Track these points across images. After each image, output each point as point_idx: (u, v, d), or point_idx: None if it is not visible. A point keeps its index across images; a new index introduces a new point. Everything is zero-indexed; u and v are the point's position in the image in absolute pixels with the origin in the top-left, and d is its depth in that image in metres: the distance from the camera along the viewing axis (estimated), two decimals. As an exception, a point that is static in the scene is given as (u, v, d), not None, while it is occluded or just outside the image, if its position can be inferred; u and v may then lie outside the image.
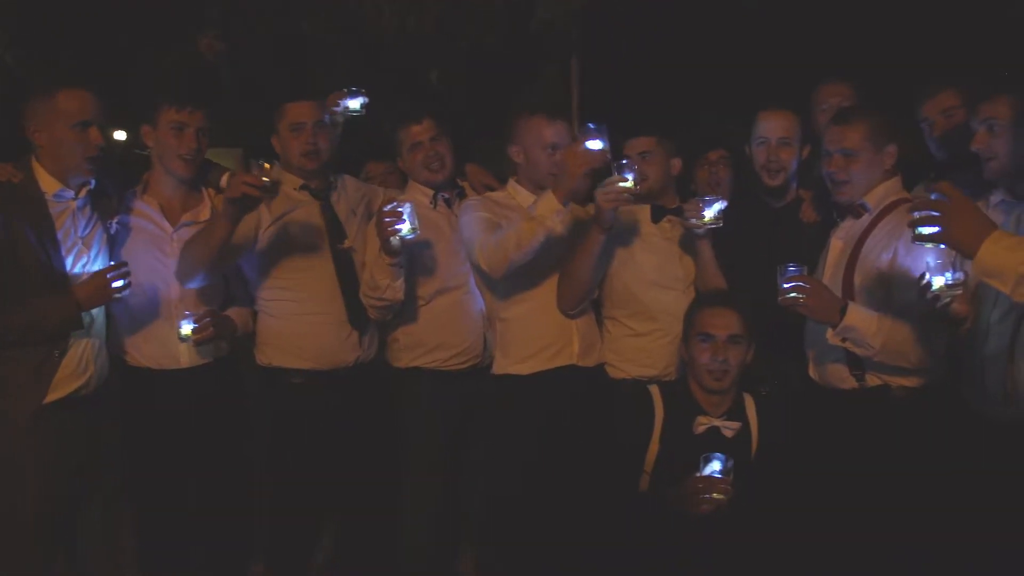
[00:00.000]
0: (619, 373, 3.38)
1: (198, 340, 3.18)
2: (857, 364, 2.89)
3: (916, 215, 2.26)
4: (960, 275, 2.51)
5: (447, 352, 3.49)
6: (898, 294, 2.77)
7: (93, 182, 3.12)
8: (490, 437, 3.42)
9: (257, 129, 3.62)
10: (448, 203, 3.58)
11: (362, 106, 3.65)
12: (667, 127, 3.50)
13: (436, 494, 3.51)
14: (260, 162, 2.99)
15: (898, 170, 2.99)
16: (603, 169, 3.17)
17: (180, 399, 3.27)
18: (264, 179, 2.96)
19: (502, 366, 3.38)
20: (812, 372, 3.07)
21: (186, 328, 3.16)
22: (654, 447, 2.96)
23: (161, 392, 3.28)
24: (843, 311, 2.77)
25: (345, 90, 3.62)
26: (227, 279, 3.43)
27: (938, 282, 2.50)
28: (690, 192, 3.83)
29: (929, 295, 2.53)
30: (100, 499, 3.19)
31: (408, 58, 5.84)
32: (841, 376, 2.94)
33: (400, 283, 3.28)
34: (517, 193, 3.42)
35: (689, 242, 3.31)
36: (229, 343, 3.41)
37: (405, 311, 3.47)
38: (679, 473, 2.76)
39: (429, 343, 3.49)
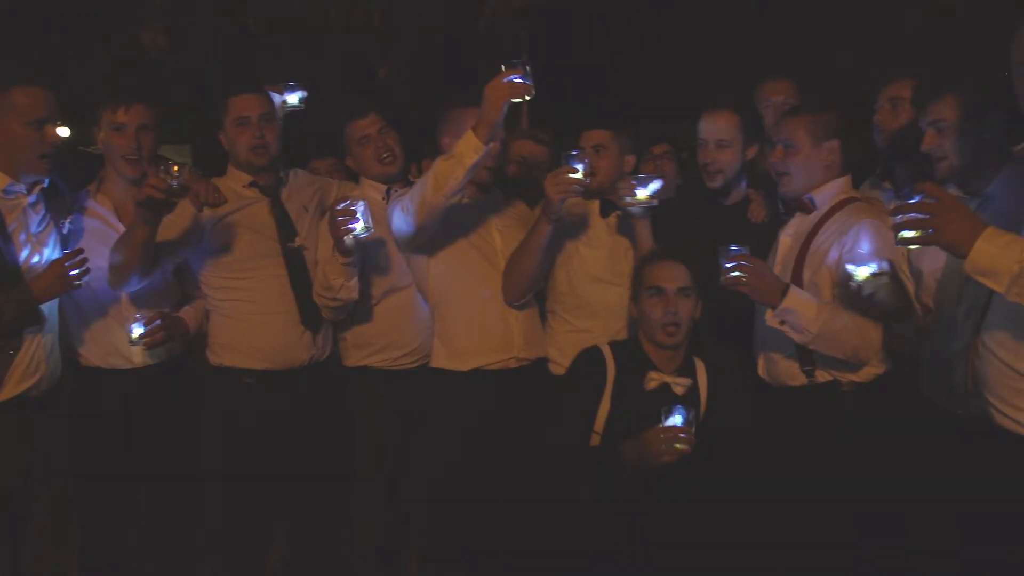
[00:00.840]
0: (560, 369, 3.33)
1: (148, 343, 3.15)
2: (808, 360, 2.93)
3: (899, 219, 2.18)
4: (885, 265, 2.54)
5: (396, 352, 3.48)
6: (843, 290, 2.81)
7: (47, 181, 3.07)
8: (424, 434, 3.40)
9: (205, 125, 3.58)
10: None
11: (301, 100, 3.62)
12: (616, 124, 3.51)
13: (384, 495, 3.52)
14: (168, 163, 2.91)
15: (847, 170, 3.02)
16: (553, 160, 3.17)
17: (132, 399, 3.24)
18: (171, 181, 2.87)
19: (440, 356, 3.34)
20: (762, 371, 3.10)
21: (136, 331, 3.13)
22: (605, 405, 2.95)
23: (113, 392, 3.24)
24: (784, 293, 2.79)
25: (282, 84, 3.58)
26: (180, 278, 3.39)
27: (861, 273, 2.55)
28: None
29: (852, 284, 2.57)
30: (46, 502, 3.13)
31: (355, 53, 5.82)
32: (791, 373, 2.97)
33: (354, 282, 3.24)
34: None
35: (630, 229, 3.28)
36: (183, 343, 3.37)
37: (354, 310, 3.45)
38: (631, 431, 2.76)
39: (378, 342, 3.48)
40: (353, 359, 3.52)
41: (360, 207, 3.07)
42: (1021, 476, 2.21)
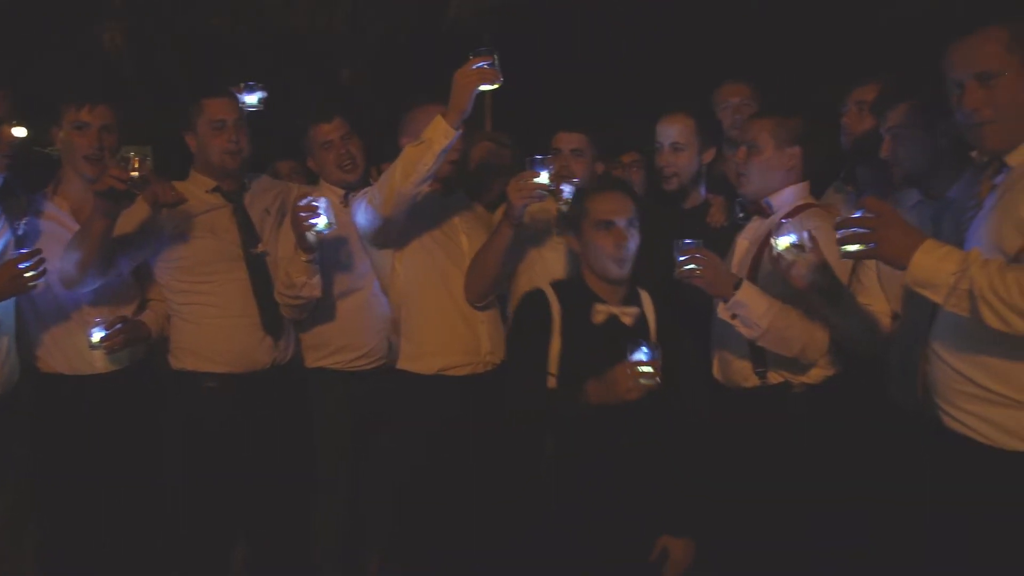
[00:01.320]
0: None
1: (109, 348, 3.12)
2: (760, 361, 2.97)
3: (841, 233, 2.22)
4: (805, 235, 2.58)
5: (352, 353, 3.50)
6: (787, 287, 2.79)
7: (1, 180, 3.03)
8: (387, 435, 3.40)
9: (166, 125, 3.55)
10: None
11: (260, 101, 3.60)
12: (591, 128, 3.53)
13: (345, 496, 3.52)
14: (130, 154, 2.89)
15: (807, 176, 3.04)
16: (515, 164, 3.17)
17: (94, 405, 3.21)
18: (132, 172, 2.85)
19: (406, 358, 3.32)
20: (716, 371, 3.12)
21: (96, 336, 3.10)
22: (556, 344, 2.86)
23: (74, 398, 3.21)
24: (737, 287, 2.82)
25: (242, 84, 3.56)
26: (141, 282, 3.37)
27: (782, 243, 2.60)
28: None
29: (775, 254, 2.61)
30: (6, 502, 3.12)
31: (319, 55, 5.80)
32: (744, 374, 3.00)
33: (317, 280, 3.24)
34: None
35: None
36: (145, 348, 3.34)
37: (312, 310, 3.46)
38: (585, 367, 2.73)
39: (334, 344, 3.49)
40: (311, 360, 3.53)
41: (322, 203, 3.07)
42: (969, 478, 2.24)
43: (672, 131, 3.37)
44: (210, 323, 3.34)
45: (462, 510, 3.20)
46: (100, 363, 3.21)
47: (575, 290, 2.93)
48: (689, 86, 4.42)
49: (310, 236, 3.09)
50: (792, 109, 3.09)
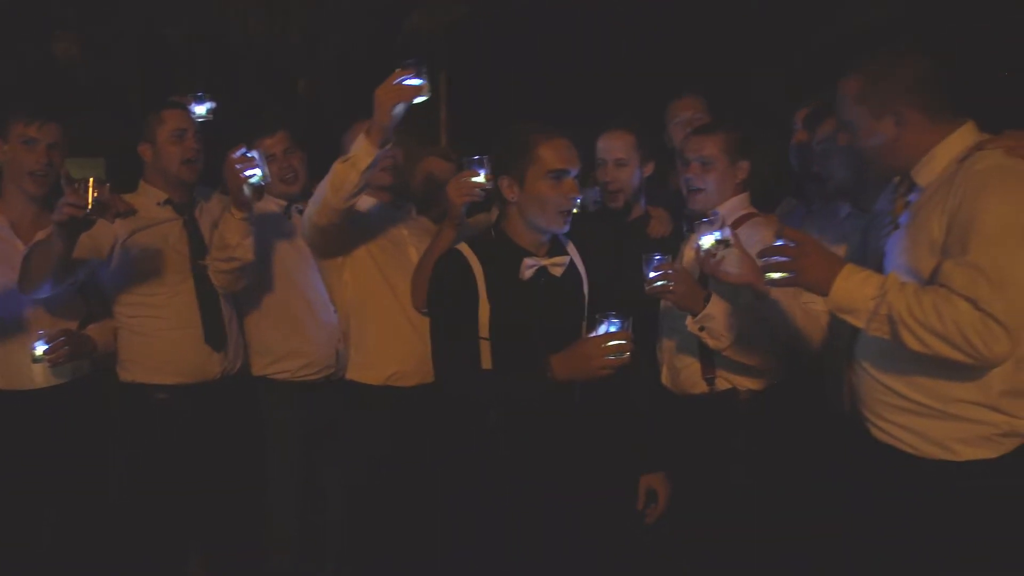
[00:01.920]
0: None
1: (52, 361, 3.08)
2: (709, 369, 3.02)
3: (764, 261, 2.28)
4: (728, 232, 2.65)
5: (297, 362, 3.51)
6: (745, 299, 2.89)
7: None
8: (341, 446, 3.43)
9: (120, 138, 3.53)
10: (301, 213, 3.50)
11: (209, 111, 3.61)
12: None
13: (297, 504, 3.54)
14: (85, 179, 2.80)
15: (747, 187, 3.12)
16: (455, 166, 3.20)
17: (33, 422, 3.16)
18: (91, 198, 2.79)
19: (355, 367, 3.34)
20: (665, 379, 3.17)
21: (39, 349, 3.05)
22: (484, 307, 2.63)
23: (12, 415, 3.16)
24: (707, 300, 2.85)
25: (191, 95, 3.56)
26: (85, 296, 3.34)
27: (707, 241, 2.66)
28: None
29: (702, 253, 2.67)
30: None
31: (275, 66, 5.79)
32: (693, 381, 3.05)
33: (250, 241, 3.20)
34: (363, 202, 3.37)
35: None
36: (89, 362, 3.30)
37: (255, 320, 3.51)
38: (517, 327, 2.60)
39: (278, 352, 3.52)
40: (257, 367, 3.55)
41: (257, 155, 3.05)
42: (895, 486, 2.30)
43: (615, 147, 3.41)
44: (159, 335, 3.34)
45: (416, 516, 3.22)
46: (40, 378, 3.15)
47: (495, 246, 2.70)
48: (637, 100, 4.48)
49: (245, 190, 3.06)
50: (739, 123, 3.16)
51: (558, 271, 2.70)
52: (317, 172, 3.57)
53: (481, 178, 2.98)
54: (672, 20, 5.62)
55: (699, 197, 3.07)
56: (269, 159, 3.51)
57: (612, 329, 2.44)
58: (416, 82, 2.75)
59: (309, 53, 5.70)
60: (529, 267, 2.65)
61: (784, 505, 2.91)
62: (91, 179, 2.79)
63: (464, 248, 2.69)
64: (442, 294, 2.70)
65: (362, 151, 2.84)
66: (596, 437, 2.71)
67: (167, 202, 3.41)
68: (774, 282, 2.28)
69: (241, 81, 5.75)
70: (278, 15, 5.54)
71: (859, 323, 2.18)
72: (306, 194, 3.57)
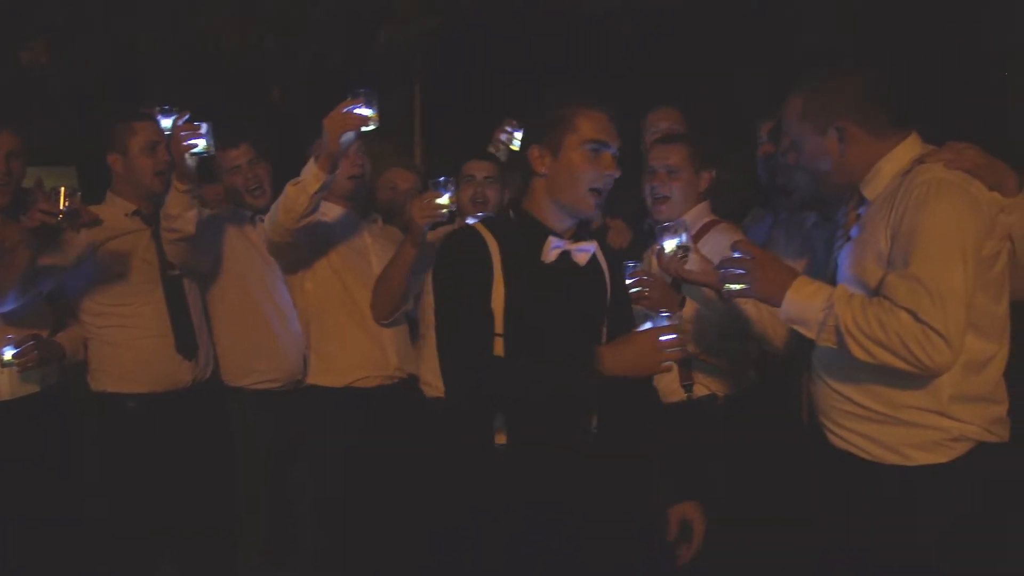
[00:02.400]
0: (434, 392, 3.41)
1: (21, 366, 3.07)
2: (687, 376, 3.07)
3: (722, 272, 2.35)
4: (687, 237, 2.70)
5: (268, 371, 3.54)
6: (713, 306, 2.95)
7: None
8: (305, 450, 3.47)
9: (90, 147, 3.52)
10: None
11: (174, 124, 3.60)
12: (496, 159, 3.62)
13: (267, 513, 3.56)
14: (57, 188, 2.86)
15: (708, 196, 3.21)
16: (418, 177, 3.30)
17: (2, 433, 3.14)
18: (63, 206, 2.84)
19: (316, 372, 3.41)
20: None
21: (8, 354, 3.05)
22: (499, 291, 2.28)
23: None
24: (681, 303, 2.91)
25: (157, 108, 3.57)
26: (53, 305, 3.33)
27: (669, 245, 2.72)
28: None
29: (664, 257, 2.72)
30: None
31: (250, 75, 5.77)
32: (671, 389, 3.09)
33: (193, 214, 3.19)
34: (330, 209, 3.46)
35: None
36: (58, 370, 3.30)
37: (226, 330, 3.53)
38: (533, 313, 2.31)
39: (249, 361, 3.54)
40: (229, 377, 3.57)
41: (204, 127, 3.05)
42: (851, 491, 2.36)
43: None
44: (129, 344, 3.35)
45: (385, 520, 3.24)
46: (7, 388, 3.14)
47: (514, 225, 2.39)
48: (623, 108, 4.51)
49: (189, 160, 3.05)
50: (703, 133, 3.22)
51: (583, 258, 2.39)
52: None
53: (445, 200, 3.07)
54: (649, 30, 5.66)
55: (664, 206, 3.13)
56: (234, 170, 3.54)
57: (663, 323, 2.24)
58: (365, 112, 2.84)
59: (284, 62, 5.69)
60: (555, 247, 2.34)
61: (762, 509, 2.96)
62: (63, 188, 2.84)
63: (478, 226, 2.38)
64: (451, 273, 2.32)
65: (311, 176, 2.97)
66: (618, 468, 2.46)
67: (135, 213, 3.42)
68: (732, 293, 2.35)
69: (214, 90, 5.73)
70: (251, 23, 5.52)
71: (810, 334, 2.24)
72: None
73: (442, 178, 3.11)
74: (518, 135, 3.74)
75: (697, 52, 5.84)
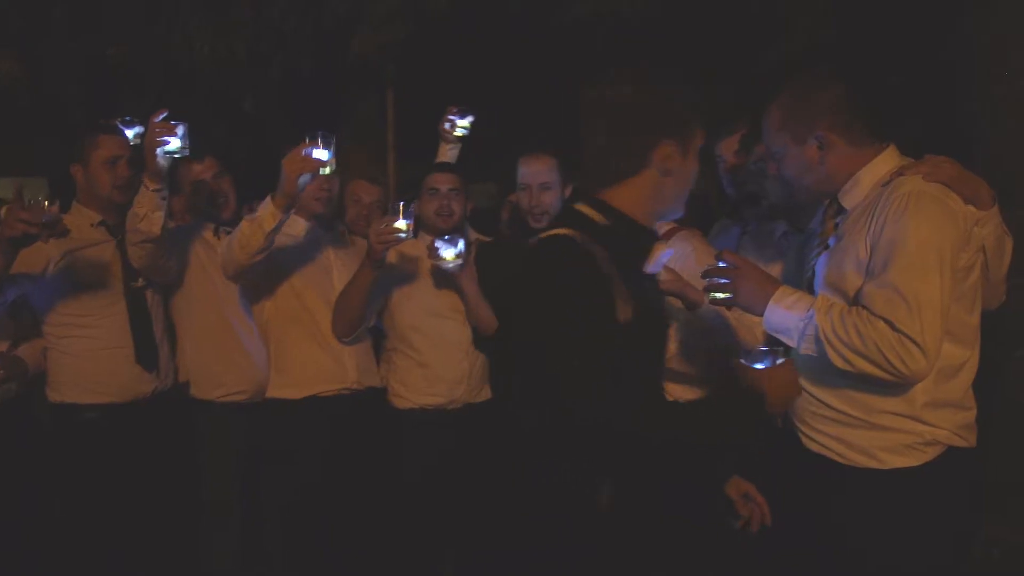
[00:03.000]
0: (406, 403, 3.47)
1: None
2: None
3: (707, 281, 2.36)
4: (664, 258, 2.59)
5: (237, 384, 3.52)
6: (678, 315, 2.93)
7: None
8: (269, 463, 3.46)
9: (62, 157, 3.50)
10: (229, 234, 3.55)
11: (136, 136, 3.58)
12: (481, 163, 3.64)
13: (236, 528, 3.53)
14: (38, 199, 2.86)
15: None
16: (382, 189, 3.42)
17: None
18: (44, 217, 2.83)
19: (275, 386, 3.43)
20: None
21: None
22: (625, 313, 1.89)
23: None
24: None
25: (119, 119, 3.57)
26: (15, 316, 3.31)
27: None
28: (495, 226, 3.99)
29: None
30: None
31: (222, 85, 5.75)
32: None
33: (159, 215, 3.15)
34: (295, 223, 3.45)
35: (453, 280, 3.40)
36: (19, 385, 3.28)
37: (195, 343, 3.52)
38: (657, 340, 2.12)
39: (218, 375, 3.52)
40: (197, 390, 3.55)
41: (181, 129, 3.03)
42: (826, 494, 2.38)
43: (540, 171, 3.46)
44: (89, 355, 3.33)
45: (352, 526, 3.25)
46: None
47: (611, 230, 1.99)
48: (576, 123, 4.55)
49: (160, 158, 3.02)
50: None
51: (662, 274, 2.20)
52: (264, 192, 3.60)
53: (403, 224, 3.07)
54: (619, 42, 5.70)
55: None
56: (199, 185, 3.53)
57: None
58: (322, 154, 2.89)
59: (255, 71, 5.68)
60: (665, 255, 2.19)
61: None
62: (44, 199, 2.83)
63: (570, 232, 1.96)
64: (574, 298, 1.88)
65: (268, 215, 3.02)
66: None
67: (101, 223, 3.41)
68: (716, 301, 2.36)
69: (186, 100, 5.71)
70: (223, 33, 5.51)
71: (791, 342, 2.27)
72: (237, 217, 3.59)
73: (401, 202, 3.12)
74: (462, 122, 3.81)
75: (665, 63, 5.90)
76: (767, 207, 3.05)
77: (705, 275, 2.37)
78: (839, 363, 2.19)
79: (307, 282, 3.42)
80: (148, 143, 3.05)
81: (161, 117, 3.03)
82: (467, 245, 3.22)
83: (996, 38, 4.23)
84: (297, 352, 3.42)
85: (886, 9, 5.00)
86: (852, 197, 2.35)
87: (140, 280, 3.41)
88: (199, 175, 3.59)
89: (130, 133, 3.54)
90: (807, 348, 2.24)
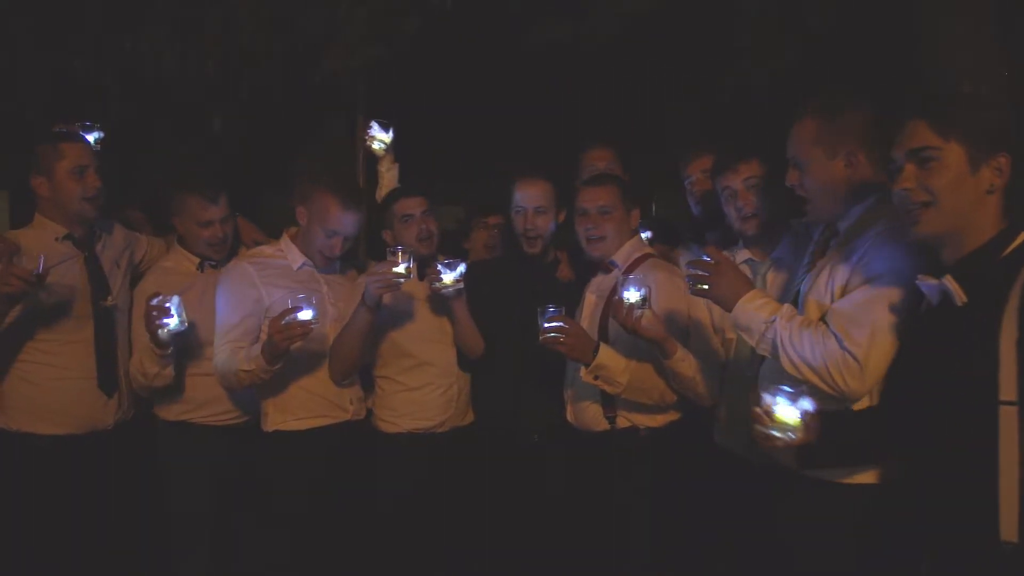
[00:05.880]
0: (393, 428, 3.44)
1: None
2: (611, 406, 3.13)
3: (690, 271, 2.56)
4: (647, 291, 2.85)
5: (216, 408, 3.43)
6: (639, 354, 3.06)
7: None
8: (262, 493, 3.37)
9: (23, 170, 3.43)
10: (215, 267, 3.52)
11: (97, 141, 3.54)
12: (452, 184, 3.64)
13: (205, 560, 3.44)
14: (33, 254, 2.89)
15: (635, 233, 3.33)
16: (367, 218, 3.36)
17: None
18: (34, 271, 2.85)
19: (273, 421, 3.33)
20: (570, 416, 3.28)
21: None
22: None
23: None
24: (596, 351, 2.99)
25: (78, 123, 3.50)
26: None
27: (631, 296, 2.81)
28: (461, 249, 3.97)
29: (623, 307, 2.83)
30: None
31: (190, 102, 5.72)
32: (596, 419, 3.17)
33: (169, 371, 3.23)
34: (288, 251, 3.39)
35: (444, 303, 3.38)
36: None
37: (185, 369, 3.41)
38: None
39: (199, 399, 3.43)
40: (173, 413, 3.45)
41: (174, 303, 3.07)
42: (785, 505, 2.50)
43: (535, 195, 3.48)
44: (52, 384, 3.24)
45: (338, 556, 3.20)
46: None
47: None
48: (553, 143, 4.58)
49: (163, 335, 3.08)
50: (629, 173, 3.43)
51: None
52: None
53: (402, 269, 3.03)
54: (588, 66, 5.75)
55: (600, 245, 3.20)
56: (206, 225, 3.43)
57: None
58: (307, 315, 2.93)
59: (224, 91, 5.65)
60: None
61: (680, 535, 3.09)
62: (41, 255, 2.87)
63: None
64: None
65: (259, 369, 3.06)
66: None
67: (66, 237, 3.30)
68: (695, 291, 2.55)
69: (156, 121, 5.68)
70: (192, 50, 5.48)
71: (751, 341, 2.44)
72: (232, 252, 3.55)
73: (400, 247, 3.09)
74: (383, 136, 3.83)
75: (631, 88, 5.96)
76: (728, 231, 3.11)
77: (689, 266, 2.59)
78: (789, 368, 2.32)
79: None
80: (147, 324, 3.07)
81: (156, 301, 3.05)
82: (464, 271, 3.20)
83: (945, 71, 4.32)
84: (294, 388, 3.31)
85: (845, 38, 5.09)
86: (846, 221, 2.45)
87: (110, 299, 3.31)
88: (211, 216, 3.44)
89: (90, 139, 3.47)
90: (763, 349, 2.42)
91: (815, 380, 2.29)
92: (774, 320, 2.38)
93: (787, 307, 2.43)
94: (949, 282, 1.99)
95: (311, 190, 3.27)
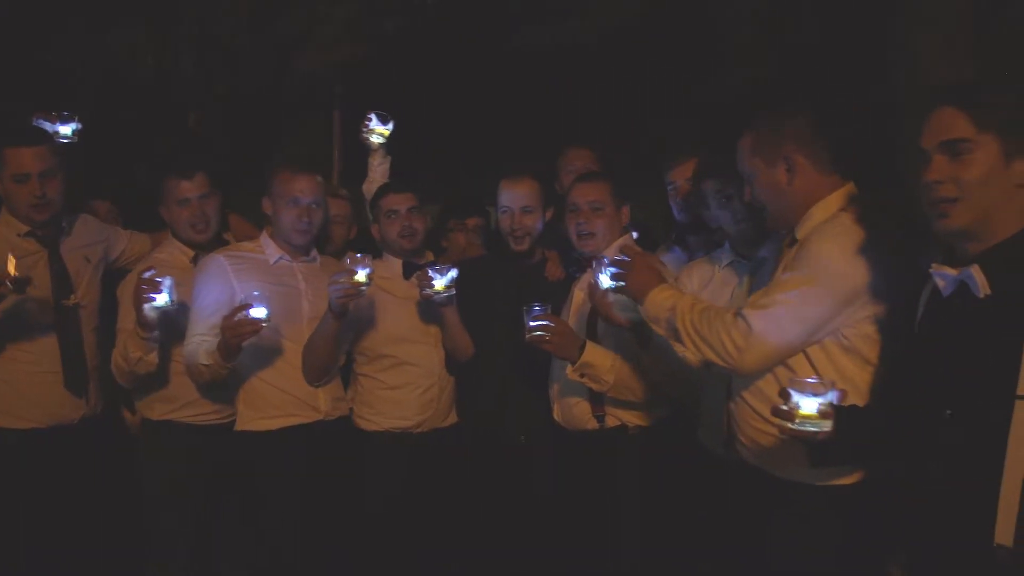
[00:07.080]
0: (372, 426, 3.41)
1: None
2: (599, 407, 3.11)
3: (606, 262, 2.65)
4: (452, 274, 2.96)
5: (201, 407, 3.39)
6: (627, 348, 3.00)
7: None
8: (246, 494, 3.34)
9: None
10: None
11: (74, 132, 3.48)
12: (429, 183, 3.62)
13: (187, 561, 3.39)
14: (7, 257, 2.84)
15: (627, 230, 3.27)
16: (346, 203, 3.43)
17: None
18: (14, 275, 2.82)
19: (245, 418, 3.29)
20: (557, 415, 3.25)
21: None
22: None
23: None
24: (582, 349, 2.98)
25: (55, 113, 3.43)
26: None
27: (605, 281, 2.79)
28: (440, 249, 3.97)
29: (598, 292, 2.82)
30: None
31: (166, 100, 5.68)
32: (584, 418, 3.14)
33: (153, 356, 3.16)
34: (266, 246, 3.36)
35: (433, 307, 3.36)
36: None
37: (160, 368, 3.34)
38: None
39: (184, 398, 3.38)
40: (156, 412, 3.40)
41: (168, 282, 3.01)
42: (763, 507, 2.48)
43: (522, 195, 3.45)
44: (12, 378, 3.20)
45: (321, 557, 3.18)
46: None
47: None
48: (532, 143, 4.58)
49: (148, 311, 3.01)
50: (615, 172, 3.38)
51: None
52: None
53: (363, 277, 3.01)
54: (566, 69, 5.76)
55: (591, 241, 3.19)
56: (183, 203, 3.36)
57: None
58: (259, 313, 2.91)
59: (200, 86, 5.62)
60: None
61: (671, 537, 3.05)
62: (12, 258, 2.83)
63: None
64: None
65: (216, 363, 3.06)
66: None
67: (29, 234, 3.25)
68: (616, 290, 2.64)
69: (131, 115, 5.64)
70: (168, 47, 5.45)
71: (660, 331, 2.51)
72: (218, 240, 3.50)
73: (359, 254, 3.07)
74: (380, 128, 3.79)
75: (611, 93, 5.98)
76: (712, 235, 3.10)
77: (612, 264, 2.65)
78: (690, 348, 2.40)
79: (275, 320, 3.11)
80: (135, 298, 3.01)
81: (148, 274, 2.98)
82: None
83: (920, 89, 4.37)
84: (266, 388, 3.26)
85: (822, 48, 5.14)
86: (804, 230, 2.43)
87: (73, 297, 3.26)
88: (185, 193, 3.36)
89: (67, 129, 3.40)
90: (669, 336, 2.49)
91: (708, 353, 2.36)
92: (675, 307, 2.45)
93: (688, 295, 2.52)
94: (976, 273, 1.92)
95: (270, 178, 3.29)
